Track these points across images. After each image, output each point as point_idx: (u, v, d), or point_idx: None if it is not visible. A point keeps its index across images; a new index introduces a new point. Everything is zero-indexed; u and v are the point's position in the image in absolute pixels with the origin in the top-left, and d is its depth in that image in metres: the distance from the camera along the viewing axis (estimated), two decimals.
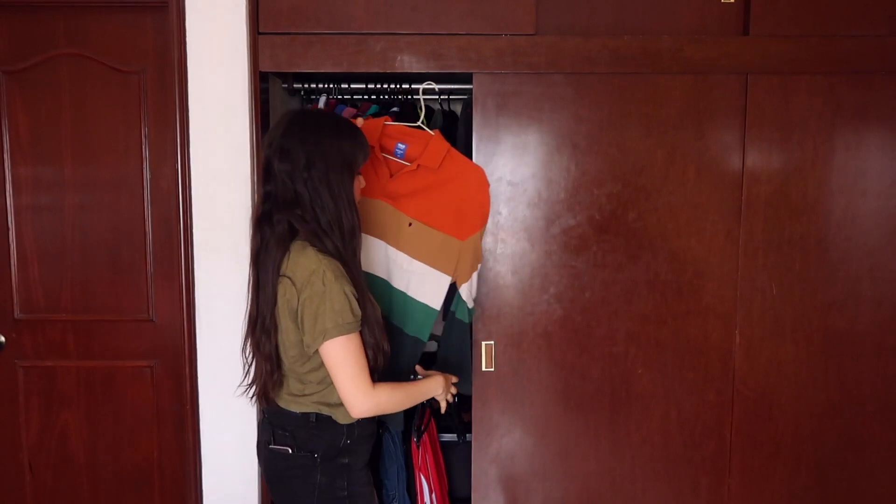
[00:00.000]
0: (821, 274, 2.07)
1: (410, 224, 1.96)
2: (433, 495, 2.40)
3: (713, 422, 2.12)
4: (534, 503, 2.15)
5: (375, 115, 2.44)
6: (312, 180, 1.49)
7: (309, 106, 2.53)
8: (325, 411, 1.57)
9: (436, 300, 2.00)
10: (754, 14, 2.00)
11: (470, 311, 2.02)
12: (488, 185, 1.99)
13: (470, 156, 2.08)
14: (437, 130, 1.97)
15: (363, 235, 1.72)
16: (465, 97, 2.34)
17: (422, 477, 2.39)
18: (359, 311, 1.49)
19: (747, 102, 2.01)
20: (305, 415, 1.58)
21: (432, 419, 2.51)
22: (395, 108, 2.45)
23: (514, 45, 1.98)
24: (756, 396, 2.11)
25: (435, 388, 1.71)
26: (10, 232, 2.16)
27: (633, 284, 2.07)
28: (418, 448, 2.38)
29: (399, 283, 2.00)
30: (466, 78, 2.08)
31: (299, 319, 1.50)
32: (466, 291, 2.00)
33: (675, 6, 2.03)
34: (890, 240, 2.06)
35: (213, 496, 2.15)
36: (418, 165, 1.95)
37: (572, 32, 2.02)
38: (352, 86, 2.42)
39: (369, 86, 2.42)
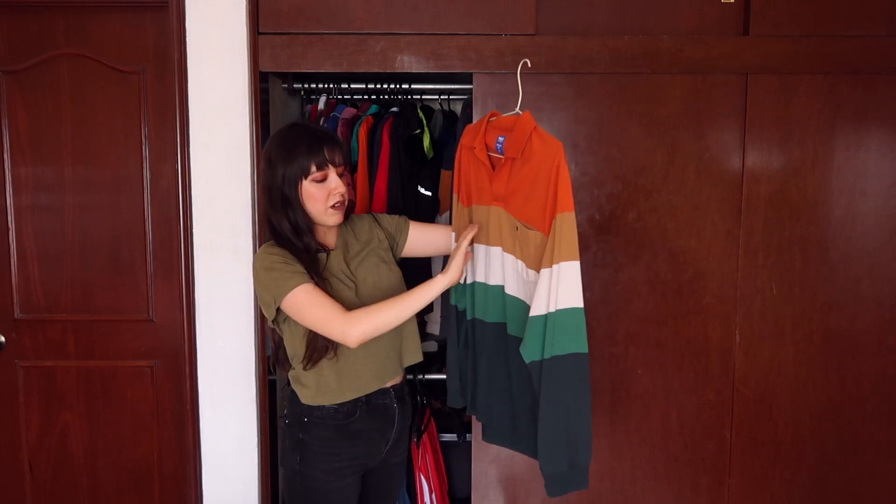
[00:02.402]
0: (821, 274, 2.07)
1: (517, 228, 1.63)
2: (433, 495, 2.40)
3: (713, 422, 2.12)
4: (533, 503, 2.15)
5: (375, 115, 2.44)
6: (266, 188, 1.67)
7: (309, 106, 2.54)
8: (295, 387, 1.74)
9: (574, 299, 1.54)
10: (754, 14, 2.00)
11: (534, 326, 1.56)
12: (565, 162, 1.53)
13: None
14: (527, 112, 1.61)
15: (485, 247, 1.72)
16: (465, 97, 2.35)
17: (422, 477, 2.40)
18: (296, 268, 1.59)
19: (747, 102, 2.01)
20: (288, 385, 1.79)
21: (432, 419, 2.51)
22: (394, 109, 2.46)
23: (514, 45, 1.98)
24: (756, 396, 2.11)
25: (435, 287, 1.60)
26: (10, 232, 2.17)
27: (633, 284, 2.07)
28: (418, 448, 2.38)
29: (521, 293, 1.65)
30: (466, 78, 2.09)
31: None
32: (545, 288, 1.53)
33: (674, 6, 2.03)
34: (890, 240, 2.06)
35: (212, 496, 2.15)
36: (507, 159, 1.63)
37: (572, 32, 2.02)
38: (352, 86, 2.42)
39: (369, 86, 2.43)
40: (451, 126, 2.45)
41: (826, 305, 2.08)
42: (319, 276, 1.63)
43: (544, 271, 1.52)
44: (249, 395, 2.11)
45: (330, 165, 1.62)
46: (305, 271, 1.61)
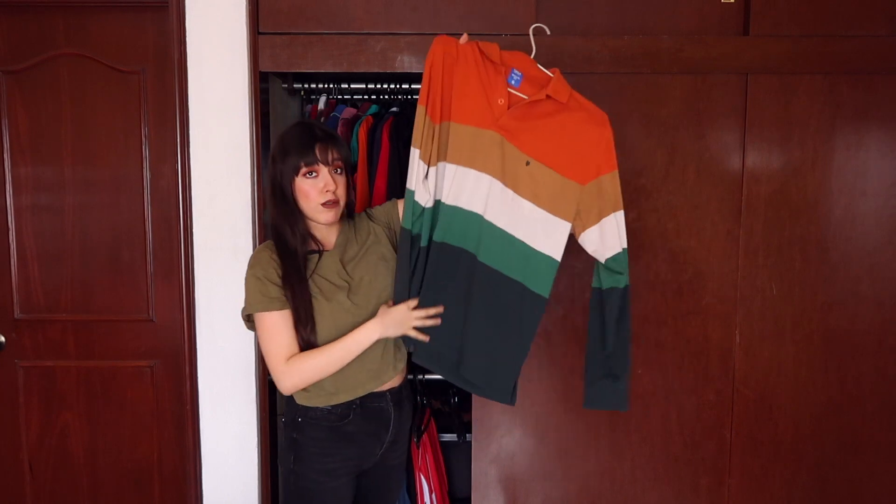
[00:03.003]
0: (821, 274, 2.07)
1: (528, 163, 1.69)
2: (433, 495, 2.40)
3: (713, 422, 2.12)
4: (534, 503, 2.15)
5: (375, 115, 2.44)
6: (269, 184, 1.72)
7: (309, 106, 2.54)
8: None
9: (557, 251, 1.73)
10: (754, 14, 2.00)
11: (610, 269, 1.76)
12: (611, 126, 1.73)
13: None
14: (556, 70, 1.72)
15: (464, 169, 1.68)
16: None
17: (422, 477, 2.40)
18: (268, 292, 1.62)
19: (747, 102, 2.02)
20: None
21: (432, 419, 2.51)
22: (394, 108, 2.45)
23: (514, 45, 1.98)
24: (756, 396, 2.11)
25: (368, 334, 1.64)
26: (10, 232, 2.17)
27: (633, 284, 2.06)
28: (418, 448, 2.38)
29: (519, 231, 1.72)
30: None
31: None
32: (595, 237, 1.73)
33: (675, 6, 2.03)
34: (890, 240, 2.06)
35: (212, 496, 2.15)
36: (547, 95, 1.68)
37: (572, 32, 2.02)
38: (352, 86, 2.42)
39: (369, 86, 2.43)
40: None
41: (826, 305, 2.08)
42: (300, 279, 1.63)
43: (609, 218, 1.74)
44: (249, 395, 2.11)
45: (321, 164, 1.63)
46: (280, 292, 1.62)
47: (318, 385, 1.68)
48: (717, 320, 2.08)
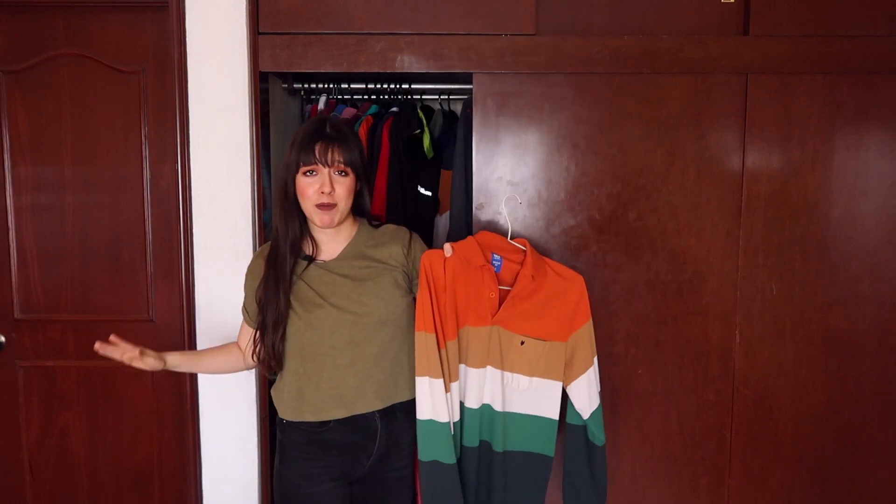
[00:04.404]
0: (821, 274, 2.07)
1: (523, 343, 1.77)
2: None
3: (713, 422, 2.12)
4: None
5: (375, 115, 2.44)
6: (279, 179, 1.73)
7: (309, 106, 2.54)
8: (274, 390, 1.78)
9: (555, 411, 1.83)
10: (754, 14, 2.00)
11: (588, 418, 1.84)
12: (583, 281, 1.81)
13: (470, 156, 2.08)
14: (524, 241, 1.82)
15: (470, 370, 1.77)
16: (465, 97, 2.35)
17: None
18: (250, 305, 1.72)
19: (747, 102, 2.02)
20: None
21: None
22: (394, 109, 2.46)
23: (514, 45, 1.98)
24: (756, 396, 2.11)
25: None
26: (10, 232, 2.17)
27: (633, 284, 2.07)
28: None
29: (513, 405, 1.81)
30: (466, 78, 2.09)
31: None
32: (580, 394, 1.82)
33: (674, 6, 2.03)
34: (890, 240, 2.06)
35: (212, 496, 2.15)
36: (529, 278, 1.75)
37: (572, 32, 2.02)
38: (352, 86, 2.43)
39: (369, 86, 2.43)
40: (452, 126, 2.45)
41: (826, 305, 2.08)
42: (277, 288, 1.64)
43: (588, 372, 1.81)
44: (249, 396, 2.11)
45: (319, 163, 1.59)
46: (252, 307, 1.71)
47: (285, 398, 1.70)
48: (717, 320, 2.08)
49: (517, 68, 1.99)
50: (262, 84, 2.07)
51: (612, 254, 2.06)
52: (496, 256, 1.79)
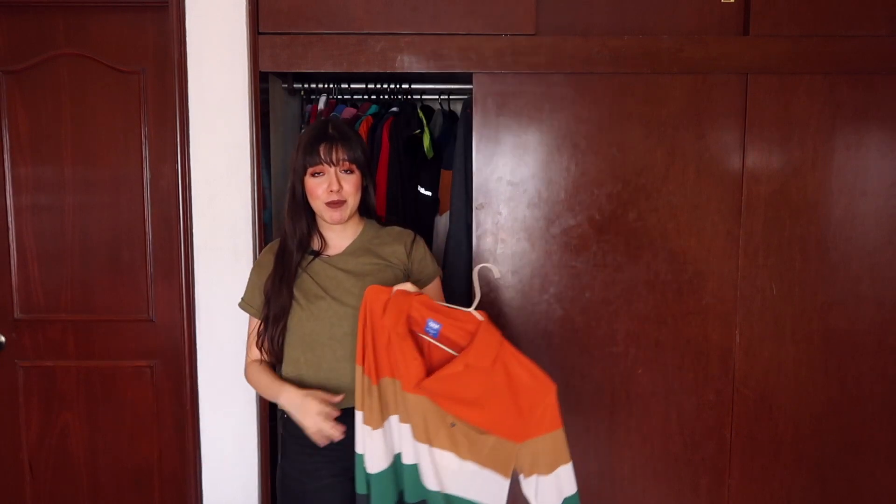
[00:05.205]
0: (821, 274, 2.07)
1: (453, 425, 1.54)
2: None
3: (713, 422, 2.12)
4: None
5: (375, 115, 2.44)
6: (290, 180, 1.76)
7: (309, 106, 2.54)
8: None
9: (495, 499, 1.59)
10: (754, 14, 2.00)
11: None
12: (555, 390, 1.55)
13: (470, 156, 2.08)
14: (483, 313, 1.54)
15: (396, 425, 1.57)
16: (465, 97, 2.35)
17: None
18: (253, 299, 1.75)
19: (747, 102, 2.02)
20: None
21: None
22: (394, 108, 2.46)
23: (514, 45, 1.98)
24: (756, 396, 2.11)
25: (279, 397, 1.63)
26: (10, 232, 2.16)
27: (633, 284, 2.07)
28: None
29: (450, 485, 1.58)
30: (466, 78, 2.09)
31: None
32: (533, 488, 1.56)
33: (674, 6, 2.03)
34: (890, 240, 2.06)
35: (212, 496, 2.15)
36: (465, 365, 1.50)
37: (572, 32, 2.02)
38: (352, 86, 2.43)
39: (369, 86, 2.43)
40: (452, 126, 2.45)
41: (826, 305, 2.08)
42: (283, 282, 1.67)
43: (549, 476, 1.55)
44: (249, 395, 2.11)
45: (324, 164, 1.64)
46: (261, 301, 1.71)
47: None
48: (717, 320, 2.08)
49: (517, 68, 1.99)
50: (262, 84, 2.07)
51: (612, 254, 2.06)
52: (432, 324, 1.53)
